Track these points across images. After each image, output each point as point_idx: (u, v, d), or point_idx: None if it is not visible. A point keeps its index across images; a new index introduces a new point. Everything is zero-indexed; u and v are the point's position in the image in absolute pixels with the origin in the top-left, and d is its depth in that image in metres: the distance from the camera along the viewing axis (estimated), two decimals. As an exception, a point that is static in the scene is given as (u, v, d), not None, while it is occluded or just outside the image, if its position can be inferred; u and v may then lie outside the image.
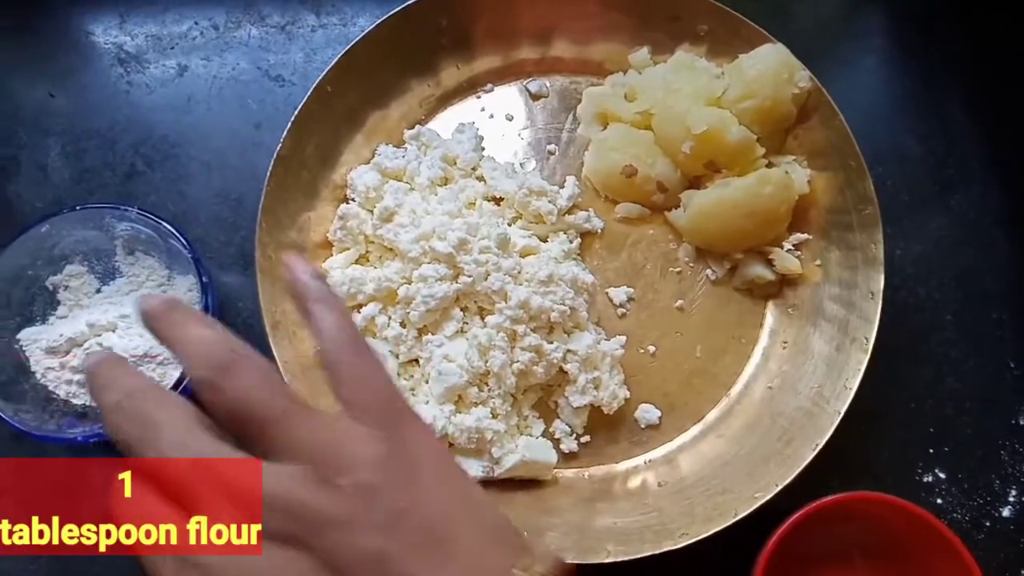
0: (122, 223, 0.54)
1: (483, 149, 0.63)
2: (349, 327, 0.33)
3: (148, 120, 0.65)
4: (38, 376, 0.53)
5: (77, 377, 0.53)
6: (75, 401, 0.53)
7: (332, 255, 0.58)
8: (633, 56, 0.63)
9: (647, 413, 0.57)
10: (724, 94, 0.57)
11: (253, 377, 0.30)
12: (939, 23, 0.69)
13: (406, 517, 0.29)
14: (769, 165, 0.58)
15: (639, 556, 0.50)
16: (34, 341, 0.53)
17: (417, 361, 0.56)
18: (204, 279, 0.53)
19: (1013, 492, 0.57)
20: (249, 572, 0.27)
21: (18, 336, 0.53)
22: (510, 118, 0.64)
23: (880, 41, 0.70)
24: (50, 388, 0.53)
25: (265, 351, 0.52)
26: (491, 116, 0.64)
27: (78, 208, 0.54)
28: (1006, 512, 0.57)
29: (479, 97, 0.65)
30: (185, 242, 0.53)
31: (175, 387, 0.51)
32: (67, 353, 0.54)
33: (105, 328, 0.54)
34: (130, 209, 0.53)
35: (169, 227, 0.53)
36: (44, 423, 0.51)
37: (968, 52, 0.68)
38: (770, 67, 0.56)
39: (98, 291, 0.57)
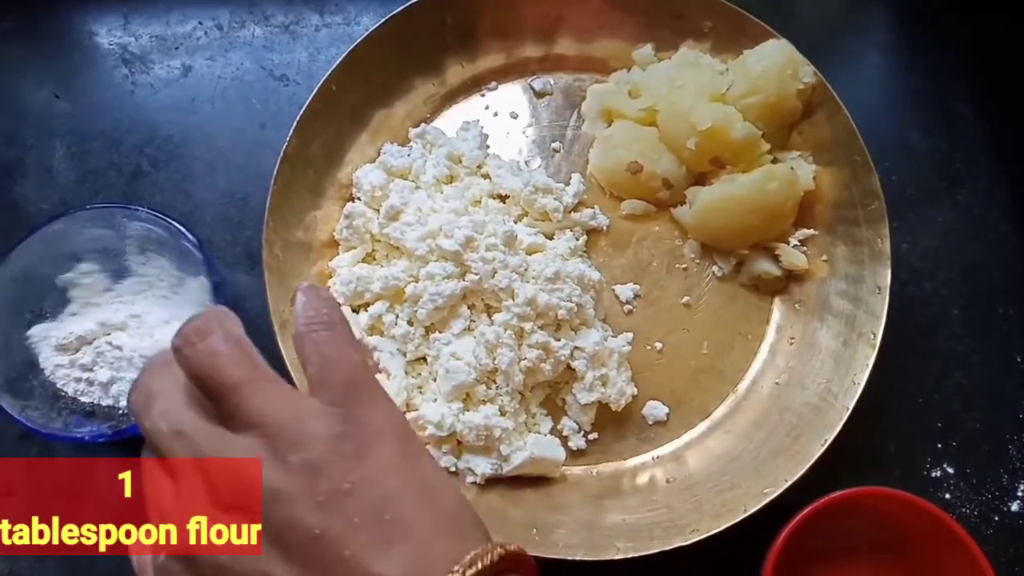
0: (133, 222, 0.55)
1: (488, 147, 0.63)
2: (325, 308, 0.33)
3: (153, 120, 0.65)
4: (47, 373, 0.53)
5: (86, 375, 0.53)
6: (83, 399, 0.53)
7: (338, 254, 0.58)
8: (637, 53, 0.63)
9: (655, 410, 0.57)
10: (729, 90, 0.57)
11: (220, 343, 0.31)
12: (944, 18, 0.69)
13: (351, 496, 0.29)
14: (774, 161, 0.58)
15: (648, 553, 0.50)
16: (44, 338, 0.53)
17: (425, 359, 0.56)
18: (216, 279, 0.53)
19: (1022, 486, 0.57)
20: (203, 537, 0.29)
21: (28, 333, 0.53)
22: (515, 116, 0.64)
23: (884, 36, 0.70)
24: (58, 385, 0.53)
25: (273, 350, 0.52)
26: (496, 114, 0.64)
27: (89, 207, 0.54)
28: (1015, 506, 0.57)
29: (483, 95, 0.65)
30: (196, 243, 0.53)
31: None
32: (77, 351, 0.54)
33: (116, 327, 0.54)
34: (140, 209, 0.53)
35: (180, 227, 0.53)
36: (51, 421, 0.51)
37: (973, 47, 0.68)
38: (774, 63, 0.56)
39: (109, 290, 0.57)
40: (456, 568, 0.28)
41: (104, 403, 0.53)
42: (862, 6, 0.72)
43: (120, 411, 0.54)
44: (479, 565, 0.29)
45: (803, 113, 0.59)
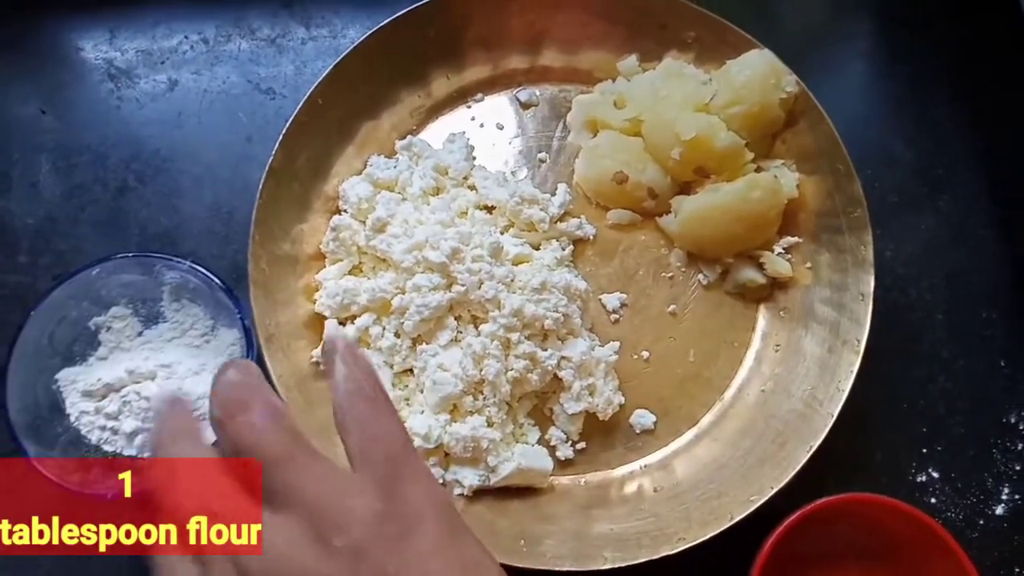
0: (172, 271, 0.55)
1: (474, 158, 0.63)
2: (366, 379, 0.32)
3: (139, 135, 0.65)
4: (72, 419, 0.52)
5: (111, 424, 0.53)
6: (106, 447, 0.53)
7: (325, 266, 0.58)
8: (622, 64, 0.63)
9: (642, 418, 0.58)
10: (712, 100, 0.58)
11: (261, 416, 0.30)
12: (925, 25, 0.70)
13: None
14: (758, 170, 0.59)
15: (636, 562, 0.50)
16: (72, 383, 0.53)
17: (412, 371, 0.56)
18: (247, 336, 0.52)
19: (1006, 490, 0.58)
20: None
21: (56, 376, 0.53)
22: (501, 127, 0.65)
23: (867, 44, 0.71)
24: (82, 432, 0.52)
25: (259, 364, 0.52)
26: (482, 125, 0.65)
27: (131, 255, 0.54)
28: (999, 510, 0.58)
29: (469, 107, 0.65)
30: (234, 298, 0.52)
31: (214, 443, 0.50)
32: (103, 398, 0.54)
33: (144, 376, 0.54)
34: (183, 261, 0.53)
35: (218, 280, 0.53)
36: (69, 474, 0.50)
37: (954, 54, 0.69)
38: (757, 73, 0.57)
39: (140, 335, 0.56)
40: None
41: (127, 453, 0.53)
42: (845, 15, 0.73)
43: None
44: None
45: (786, 122, 0.59)
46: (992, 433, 0.60)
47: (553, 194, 0.61)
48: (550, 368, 0.55)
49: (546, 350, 0.55)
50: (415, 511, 0.30)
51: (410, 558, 0.29)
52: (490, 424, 0.55)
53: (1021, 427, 0.60)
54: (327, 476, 0.30)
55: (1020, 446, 0.59)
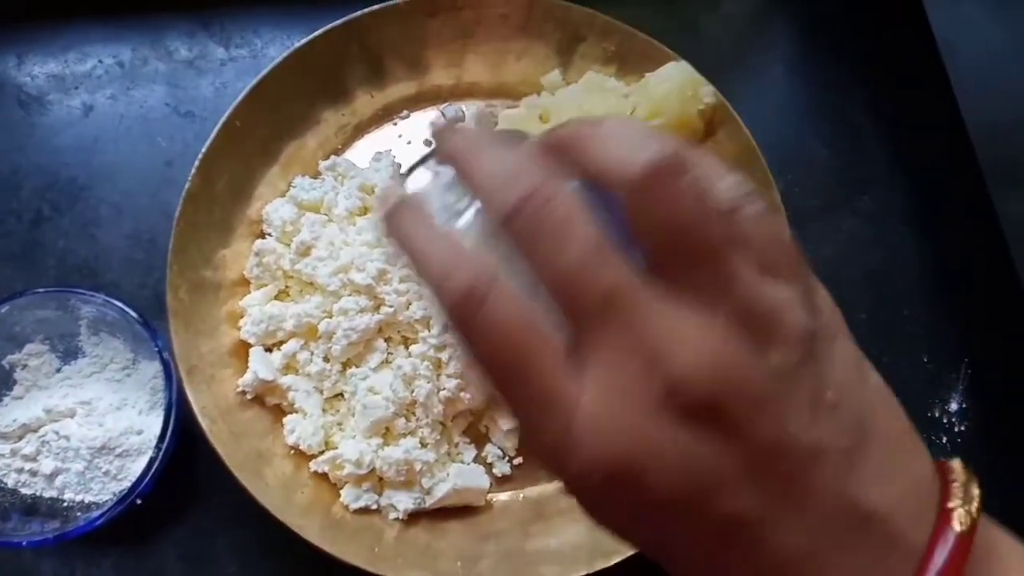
0: (87, 305, 0.53)
1: (402, 176, 0.62)
2: (743, 185, 0.24)
3: (54, 163, 0.63)
4: None
5: (29, 465, 0.51)
6: (24, 491, 0.51)
7: (250, 292, 0.57)
8: (545, 78, 0.64)
9: (578, 431, 0.58)
10: (633, 113, 0.58)
11: (702, 188, 0.23)
12: (839, 27, 0.72)
13: (838, 412, 0.23)
14: (681, 179, 0.59)
15: (573, 577, 0.50)
16: None
17: (343, 395, 0.55)
18: (167, 369, 0.51)
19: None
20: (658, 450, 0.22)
21: None
22: (429, 143, 0.64)
23: (786, 49, 0.72)
24: None
25: (180, 397, 0.51)
26: (409, 143, 0.64)
27: (44, 291, 0.52)
28: (926, 502, 0.59)
29: (396, 124, 0.65)
30: (151, 330, 0.51)
31: (139, 480, 0.49)
32: (20, 439, 0.51)
33: (64, 414, 0.52)
34: (97, 295, 0.51)
35: (134, 313, 0.51)
36: None
37: (868, 57, 0.71)
38: (675, 85, 0.58)
39: (58, 371, 0.54)
40: (953, 502, 0.24)
41: (47, 495, 0.51)
42: (765, 22, 0.74)
43: (65, 504, 0.51)
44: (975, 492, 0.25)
45: (706, 132, 0.60)
46: (920, 428, 0.60)
47: (481, 210, 0.61)
48: (481, 386, 0.55)
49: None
50: (833, 330, 0.25)
51: (844, 383, 0.24)
52: (424, 445, 0.54)
53: (944, 421, 0.62)
54: (760, 282, 0.23)
55: (944, 439, 0.61)
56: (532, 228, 0.23)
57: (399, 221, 0.26)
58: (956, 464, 0.26)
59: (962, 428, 0.61)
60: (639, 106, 0.58)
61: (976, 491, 0.25)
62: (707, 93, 0.58)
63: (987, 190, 0.59)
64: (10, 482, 0.51)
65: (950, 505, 0.24)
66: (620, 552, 0.50)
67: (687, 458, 0.22)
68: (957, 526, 0.23)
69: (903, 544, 0.23)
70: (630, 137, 0.24)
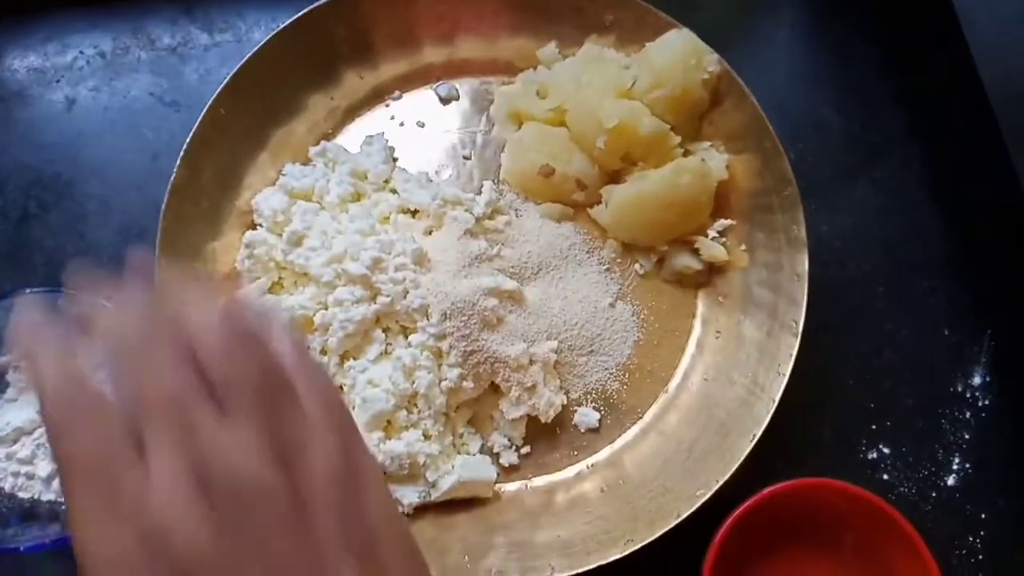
0: (72, 305, 0.51)
1: (395, 160, 0.60)
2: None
3: (38, 159, 0.61)
4: None
5: (25, 469, 0.50)
6: (21, 495, 0.50)
7: (242, 285, 0.55)
8: (541, 52, 0.61)
9: (585, 417, 0.56)
10: (634, 85, 0.56)
11: (289, 347, 0.29)
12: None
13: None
14: (686, 153, 0.57)
15: (584, 569, 0.48)
16: None
17: (342, 389, 0.53)
18: None
19: (956, 460, 0.57)
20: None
21: None
22: (422, 125, 0.62)
23: (791, 14, 0.69)
24: None
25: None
26: (402, 124, 0.62)
27: (32, 291, 0.51)
28: (951, 480, 0.57)
29: (388, 105, 0.62)
30: None
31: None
32: (14, 442, 0.50)
33: None
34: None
35: None
36: None
37: (878, 18, 0.68)
38: (677, 54, 0.55)
39: None
40: None
41: (45, 498, 0.50)
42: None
43: (64, 507, 0.50)
44: None
45: (711, 102, 0.58)
46: (940, 403, 0.59)
47: (478, 193, 0.58)
48: (484, 373, 0.53)
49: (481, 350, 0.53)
50: (368, 471, 0.29)
51: (365, 511, 0.28)
52: (427, 438, 0.52)
53: (968, 395, 0.59)
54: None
55: (968, 414, 0.59)
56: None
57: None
58: None
59: (986, 402, 0.59)
60: (640, 77, 0.56)
61: None
62: (711, 62, 0.56)
63: (1008, 154, 0.56)
64: (7, 486, 0.50)
65: None
66: (634, 541, 0.49)
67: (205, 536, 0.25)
68: None
69: None
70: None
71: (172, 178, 0.53)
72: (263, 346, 0.28)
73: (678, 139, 0.56)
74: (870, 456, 0.57)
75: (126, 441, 0.26)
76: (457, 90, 0.63)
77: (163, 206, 0.52)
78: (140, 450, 0.26)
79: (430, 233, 0.57)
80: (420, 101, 0.63)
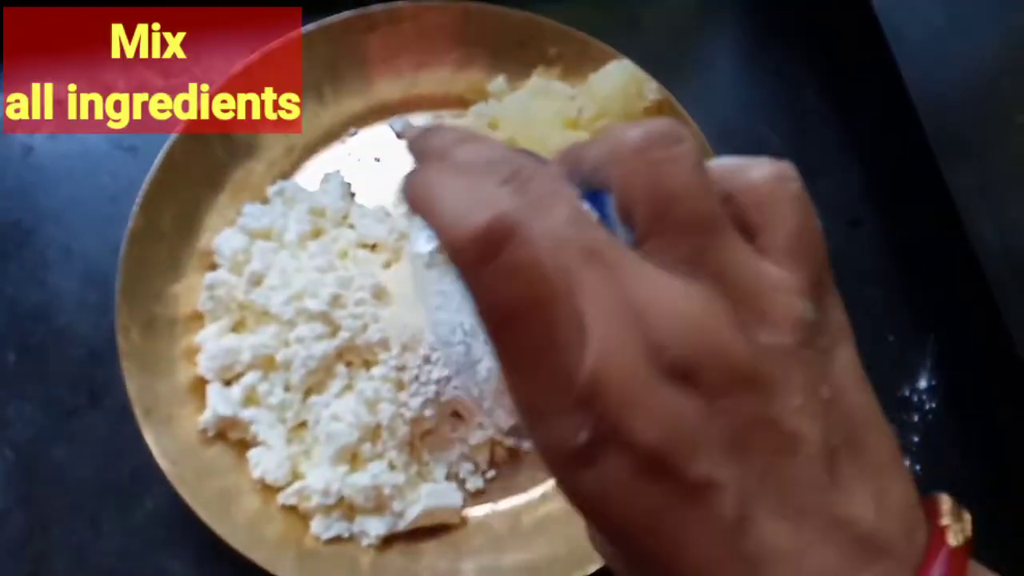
0: None
1: (353, 195, 0.62)
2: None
3: (-4, 208, 0.62)
4: None
5: None
6: None
7: (205, 327, 0.56)
8: (491, 85, 0.63)
9: (548, 439, 0.57)
10: (580, 115, 0.58)
11: (695, 162, 0.22)
12: (784, 14, 0.71)
13: (828, 410, 0.22)
14: (634, 178, 0.59)
15: (551, 590, 0.50)
16: None
17: (307, 424, 0.54)
18: None
19: (906, 463, 0.59)
20: (644, 402, 0.21)
21: None
22: (378, 160, 0.64)
23: (732, 38, 0.72)
24: None
25: (137, 441, 0.50)
26: (359, 160, 0.64)
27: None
28: (900, 482, 0.59)
29: (344, 142, 0.64)
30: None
31: None
32: None
33: None
34: None
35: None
36: None
37: (812, 38, 0.71)
38: (618, 83, 0.57)
39: None
40: (945, 520, 0.23)
41: None
42: (709, 12, 0.74)
43: None
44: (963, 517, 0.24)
45: (655, 128, 0.60)
46: (887, 408, 0.60)
47: (434, 224, 0.60)
48: (445, 402, 0.54)
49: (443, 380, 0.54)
50: (837, 329, 0.24)
51: (840, 383, 0.23)
52: (393, 468, 0.53)
53: (915, 399, 0.62)
54: (755, 259, 0.23)
55: (916, 417, 0.61)
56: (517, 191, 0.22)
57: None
58: (943, 495, 0.25)
59: (932, 405, 0.61)
60: (585, 107, 0.58)
61: (967, 515, 0.24)
62: (651, 89, 0.58)
63: (938, 166, 0.59)
64: None
65: (943, 523, 0.23)
66: (595, 562, 0.50)
67: (667, 413, 0.20)
68: (952, 541, 0.22)
69: (890, 556, 0.22)
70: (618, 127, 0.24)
71: (129, 225, 0.54)
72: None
73: (625, 166, 0.58)
74: (823, 462, 0.59)
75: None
76: (409, 124, 0.64)
77: (121, 253, 0.53)
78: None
79: (389, 266, 0.59)
80: (376, 137, 0.64)
